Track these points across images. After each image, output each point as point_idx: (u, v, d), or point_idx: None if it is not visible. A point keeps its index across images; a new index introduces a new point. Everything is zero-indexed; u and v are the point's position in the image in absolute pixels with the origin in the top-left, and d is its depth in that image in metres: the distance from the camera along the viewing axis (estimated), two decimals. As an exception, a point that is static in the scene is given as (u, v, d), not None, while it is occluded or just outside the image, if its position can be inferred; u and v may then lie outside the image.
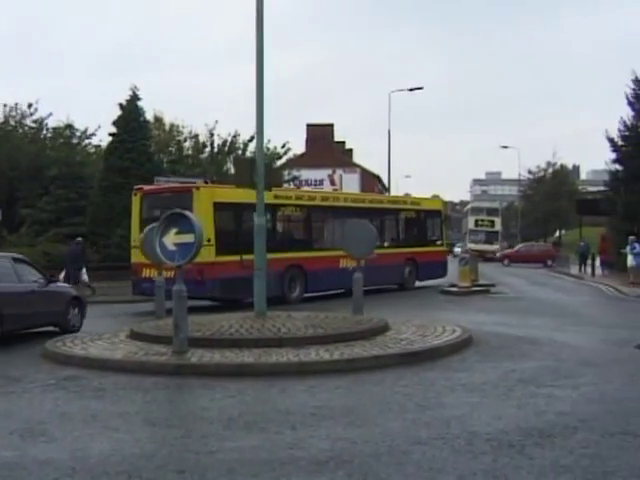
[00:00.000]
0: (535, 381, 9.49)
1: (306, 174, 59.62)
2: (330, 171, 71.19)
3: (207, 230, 18.87)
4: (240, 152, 42.65)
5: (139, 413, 8.10)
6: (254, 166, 14.31)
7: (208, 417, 7.80)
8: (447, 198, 50.52)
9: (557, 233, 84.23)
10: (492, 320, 17.28)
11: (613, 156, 42.09)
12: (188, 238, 11.27)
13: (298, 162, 49.69)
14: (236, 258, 21.19)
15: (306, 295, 23.96)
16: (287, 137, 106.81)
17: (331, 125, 73.75)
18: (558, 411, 7.85)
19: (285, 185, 44.02)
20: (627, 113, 41.03)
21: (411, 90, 49.05)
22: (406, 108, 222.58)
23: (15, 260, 15.45)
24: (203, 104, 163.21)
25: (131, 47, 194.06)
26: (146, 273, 21.21)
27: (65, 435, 7.13)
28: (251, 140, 40.87)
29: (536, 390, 8.94)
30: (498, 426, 7.19)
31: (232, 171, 40.56)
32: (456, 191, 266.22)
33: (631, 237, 32.00)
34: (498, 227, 70.08)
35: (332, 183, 71.18)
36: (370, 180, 73.69)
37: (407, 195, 37.50)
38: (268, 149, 41.35)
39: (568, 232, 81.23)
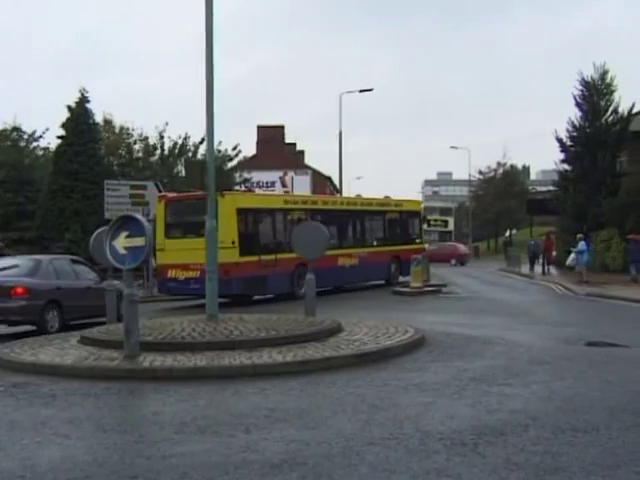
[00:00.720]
0: (487, 380, 9.58)
1: (257, 176, 59.48)
2: (281, 173, 71.19)
3: (231, 233, 22.75)
4: (191, 155, 42.39)
5: (90, 419, 8.00)
6: (205, 168, 14.24)
7: (160, 422, 7.74)
8: (398, 199, 50.60)
9: (508, 233, 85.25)
10: (444, 320, 17.41)
11: (562, 156, 42.77)
12: (139, 242, 11.15)
13: (249, 164, 49.58)
14: (255, 258, 23.85)
15: (256, 298, 24.77)
16: (239, 139, 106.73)
17: (282, 127, 73.78)
18: (510, 409, 7.93)
19: (236, 188, 43.88)
20: (575, 114, 41.74)
21: (362, 91, 49.27)
22: (358, 110, 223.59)
23: (73, 261, 19.01)
24: (154, 106, 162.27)
25: (81, 48, 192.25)
26: (171, 274, 23.81)
27: (14, 443, 7.02)
28: (202, 142, 40.57)
29: (488, 389, 9.02)
30: (451, 425, 7.25)
31: (183, 174, 40.45)
32: (407, 192, 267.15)
33: (579, 235, 32.55)
34: (451, 227, 71.32)
35: (283, 185, 71.17)
36: (321, 182, 73.87)
37: (359, 196, 37.71)
38: (219, 151, 41.10)
39: (519, 231, 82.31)
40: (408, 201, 36.29)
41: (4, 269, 17.16)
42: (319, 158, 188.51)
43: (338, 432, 7.07)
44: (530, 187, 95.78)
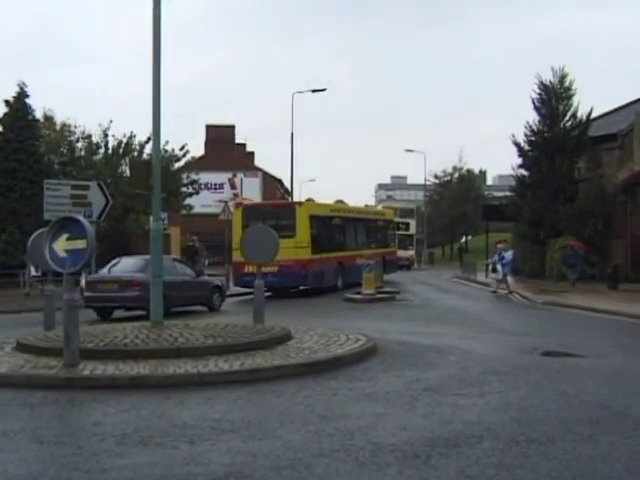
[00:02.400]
0: (440, 390, 9.63)
1: (205, 177, 59.28)
2: (230, 174, 71.11)
3: (306, 235, 30.06)
4: (136, 154, 42.06)
5: (25, 430, 7.88)
6: (150, 169, 14.14)
7: (100, 433, 7.64)
8: (351, 203, 50.57)
9: (463, 239, 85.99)
10: (397, 328, 17.46)
11: (519, 161, 43.15)
12: (80, 244, 11.00)
13: (197, 165, 49.30)
14: (319, 256, 30.36)
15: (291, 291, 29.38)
16: (188, 139, 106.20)
17: (232, 126, 73.64)
18: (464, 420, 7.99)
19: (183, 189, 43.64)
20: (533, 118, 42.16)
21: (314, 91, 49.37)
22: (314, 110, 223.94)
23: (174, 260, 25.08)
24: (98, 104, 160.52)
25: (23, 42, 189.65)
26: (248, 269, 27.26)
27: (-56, 456, 6.89)
28: (148, 142, 40.35)
29: (441, 399, 9.08)
30: (403, 437, 7.28)
31: (128, 174, 40.09)
32: (360, 195, 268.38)
33: (500, 245, 32.92)
34: (413, 230, 66.93)
35: (232, 187, 71.10)
36: (271, 184, 73.91)
37: (311, 199, 37.98)
38: (166, 151, 40.90)
39: (474, 238, 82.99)
40: (386, 210, 47.67)
41: (119, 267, 22.79)
42: (273, 160, 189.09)
43: (286, 443, 7.06)
44: (486, 192, 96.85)
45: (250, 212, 31.49)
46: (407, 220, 65.34)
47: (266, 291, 24.69)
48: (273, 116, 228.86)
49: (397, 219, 62.10)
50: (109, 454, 6.83)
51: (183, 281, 23.07)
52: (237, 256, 28.26)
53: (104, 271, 22.98)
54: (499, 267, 31.17)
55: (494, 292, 30.36)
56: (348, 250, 33.97)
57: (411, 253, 64.14)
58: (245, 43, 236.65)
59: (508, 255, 31.39)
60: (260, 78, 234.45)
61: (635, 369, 11.98)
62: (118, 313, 22.34)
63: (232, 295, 29.31)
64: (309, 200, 34.93)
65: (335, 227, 34.16)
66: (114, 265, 23.09)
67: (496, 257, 31.75)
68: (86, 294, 21.77)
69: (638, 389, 9.99)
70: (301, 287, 30.34)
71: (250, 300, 26.90)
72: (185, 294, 22.92)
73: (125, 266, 22.78)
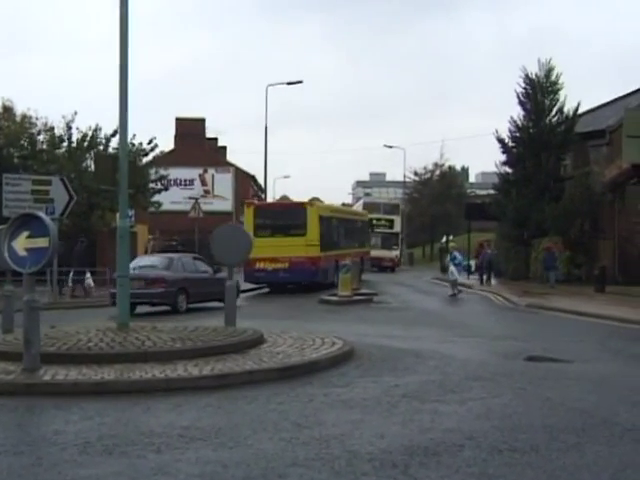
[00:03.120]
0: (420, 396, 9.65)
1: (175, 173, 59.19)
2: (201, 170, 70.93)
3: (316, 234, 33.48)
4: (101, 148, 41.78)
5: (-18, 438, 7.82)
6: (117, 163, 14.07)
7: (62, 442, 7.58)
8: (328, 201, 50.45)
9: (444, 239, 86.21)
10: (375, 331, 17.50)
11: (503, 158, 43.34)
12: (42, 243, 10.90)
13: (166, 160, 49.15)
14: (324, 254, 33.67)
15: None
16: (160, 134, 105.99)
17: (202, 120, 73.43)
18: (444, 428, 8.00)
19: (151, 185, 43.46)
20: (518, 113, 42.33)
21: (289, 84, 49.36)
22: (289, 106, 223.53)
23: (194, 258, 27.31)
24: (62, 95, 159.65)
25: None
26: (259, 265, 32.29)
27: None
28: (114, 135, 40.08)
29: (421, 406, 9.10)
30: (381, 445, 7.28)
31: (92, 168, 39.83)
32: (337, 193, 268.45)
33: (452, 244, 33.12)
34: (398, 228, 63.19)
35: (203, 183, 70.94)
36: (244, 180, 73.75)
37: (286, 197, 38.16)
38: (133, 145, 40.61)
39: (456, 238, 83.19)
40: (362, 212, 52.11)
41: (145, 266, 25.10)
42: (246, 156, 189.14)
43: (258, 452, 7.05)
44: (469, 190, 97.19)
45: (261, 211, 35.46)
46: (391, 217, 62.41)
47: (266, 286, 31.81)
48: (247, 111, 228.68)
49: (380, 216, 60.07)
50: (71, 464, 6.78)
51: (202, 278, 25.64)
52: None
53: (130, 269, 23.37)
54: (452, 268, 31.29)
55: (453, 295, 30.38)
56: (341, 249, 36.92)
57: (395, 253, 61.88)
58: (220, 36, 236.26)
59: (460, 256, 31.61)
60: (235, 72, 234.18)
61: (622, 375, 12.07)
62: (141, 309, 24.11)
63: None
64: (316, 200, 39.76)
65: (333, 227, 37.76)
66: (139, 264, 25.22)
67: (448, 258, 31.95)
68: (112, 291, 23.45)
69: (625, 396, 10.05)
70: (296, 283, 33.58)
71: (259, 295, 31.53)
72: (204, 290, 25.37)
73: (150, 264, 25.48)
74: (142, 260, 26.38)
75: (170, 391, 9.88)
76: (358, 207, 64.16)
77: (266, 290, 33.29)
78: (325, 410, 8.90)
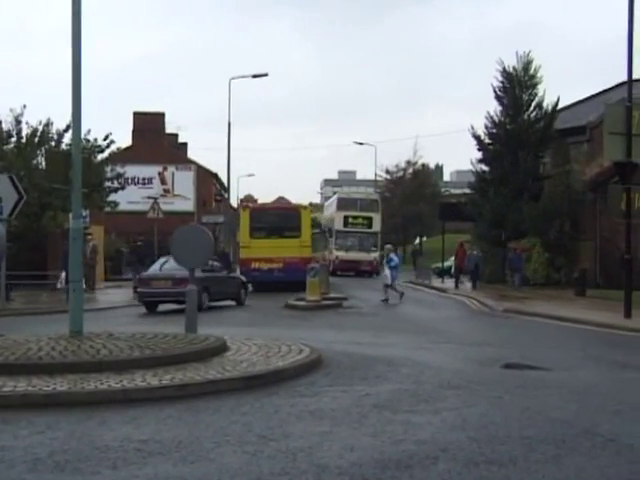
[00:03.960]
0: (392, 406, 9.66)
1: (133, 171, 58.86)
2: (160, 168, 70.57)
3: (309, 236, 38.28)
4: (53, 144, 41.50)
5: None
6: (70, 160, 13.97)
7: (9, 459, 7.50)
8: (294, 200, 50.20)
9: (417, 240, 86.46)
10: (344, 338, 17.51)
11: (479, 156, 43.54)
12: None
13: (123, 157, 48.88)
14: (312, 255, 38.12)
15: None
16: (117, 129, 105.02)
17: (162, 114, 73.05)
18: (417, 439, 8.01)
19: (107, 184, 43.25)
20: (495, 108, 42.52)
21: (255, 77, 49.37)
22: (255, 102, 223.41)
23: (212, 259, 28.15)
24: (11, 88, 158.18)
25: None
26: (255, 265, 35.88)
27: None
28: (67, 130, 39.83)
29: (393, 416, 9.10)
30: (350, 458, 7.27)
31: (44, 166, 39.53)
32: (305, 192, 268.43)
33: (387, 246, 33.16)
34: (377, 227, 57.81)
35: (163, 182, 70.61)
36: (207, 178, 73.57)
37: (250, 196, 38.37)
38: (87, 141, 40.38)
39: (430, 239, 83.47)
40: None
41: (168, 264, 26.68)
42: (210, 153, 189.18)
43: (221, 467, 7.02)
44: (443, 189, 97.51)
45: (257, 214, 39.47)
46: (369, 214, 57.45)
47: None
48: (210, 106, 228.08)
49: (356, 213, 56.87)
50: (20, 481, 6.71)
51: (220, 277, 28.66)
52: (243, 253, 37.96)
53: (154, 269, 27.91)
54: (387, 271, 31.07)
55: (385, 300, 30.34)
56: (317, 251, 42.23)
57: (375, 256, 56.23)
58: (184, 28, 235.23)
59: (396, 258, 31.53)
60: (198, 66, 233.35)
61: (604, 383, 12.16)
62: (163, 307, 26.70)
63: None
64: (249, 198, 42.92)
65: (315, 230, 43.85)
66: (164, 264, 27.67)
67: (384, 260, 31.87)
68: (140, 290, 27.21)
69: (607, 405, 10.12)
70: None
71: (253, 295, 32.88)
72: (222, 290, 28.23)
73: (175, 264, 25.28)
74: (166, 260, 27.88)
75: (127, 402, 9.81)
76: (332, 203, 62.68)
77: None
78: (292, 421, 8.89)
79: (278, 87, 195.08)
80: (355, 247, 55.74)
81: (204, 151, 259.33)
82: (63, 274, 31.30)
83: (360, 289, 39.09)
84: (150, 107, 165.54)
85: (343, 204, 58.16)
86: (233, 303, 29.08)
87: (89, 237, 35.34)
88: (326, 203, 72.08)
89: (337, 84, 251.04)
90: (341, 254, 54.53)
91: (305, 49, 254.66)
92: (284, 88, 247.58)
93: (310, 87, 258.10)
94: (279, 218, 38.88)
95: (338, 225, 56.66)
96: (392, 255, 31.62)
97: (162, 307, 26.91)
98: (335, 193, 71.18)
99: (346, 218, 56.54)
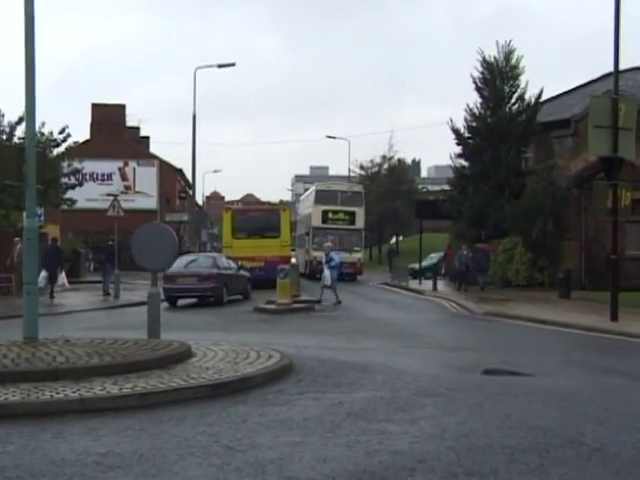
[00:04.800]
0: (366, 415, 9.67)
1: (91, 166, 58.53)
2: (121, 163, 70.40)
3: (288, 236, 44.04)
4: (5, 138, 41.21)
5: None
6: (23, 155, 13.87)
7: (-41, 472, 7.47)
8: (264, 198, 50.13)
9: (393, 239, 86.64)
10: (316, 343, 17.52)
11: (458, 150, 43.62)
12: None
13: (81, 151, 48.57)
14: (291, 253, 42.77)
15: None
16: (74, 122, 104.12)
17: (122, 106, 72.90)
18: (393, 450, 8.02)
19: (64, 180, 42.99)
20: (475, 100, 42.61)
21: (220, 66, 49.18)
22: (224, 93, 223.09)
23: (227, 257, 35.46)
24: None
25: None
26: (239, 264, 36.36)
27: None
28: (19, 122, 39.55)
29: (367, 426, 9.11)
30: (323, 470, 7.27)
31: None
32: (275, 188, 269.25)
33: (327, 244, 33.03)
34: (361, 223, 54.08)
35: (123, 178, 70.38)
36: (170, 174, 73.38)
37: (216, 193, 38.31)
38: (42, 134, 40.13)
39: (407, 238, 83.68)
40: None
41: (192, 262, 32.83)
42: (174, 147, 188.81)
43: (185, 481, 7.00)
44: (420, 186, 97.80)
45: (239, 215, 45.12)
46: (351, 208, 53.65)
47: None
48: (175, 98, 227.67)
49: (337, 207, 53.27)
50: (-30, 497, 6.67)
51: (234, 274, 33.59)
52: (226, 252, 40.16)
53: (179, 267, 30.26)
54: (326, 272, 30.86)
55: (318, 302, 30.21)
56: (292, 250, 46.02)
57: (358, 257, 53.22)
58: (148, 16, 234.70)
59: (337, 257, 31.31)
60: (164, 57, 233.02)
61: (589, 389, 12.23)
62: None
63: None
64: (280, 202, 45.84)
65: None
66: (187, 263, 32.34)
67: (324, 259, 31.59)
68: (165, 286, 29.78)
69: (593, 412, 10.18)
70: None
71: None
72: (235, 286, 33.02)
73: (198, 263, 32.83)
74: (189, 258, 34.03)
75: (85, 413, 9.76)
76: (309, 197, 59.42)
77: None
78: (261, 431, 8.88)
79: (248, 79, 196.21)
80: (335, 247, 48.70)
81: (168, 145, 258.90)
82: (43, 273, 32.57)
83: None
84: (110, 99, 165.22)
85: (322, 197, 54.43)
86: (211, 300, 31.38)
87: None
88: (302, 196, 69.80)
89: (310, 76, 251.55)
90: (319, 255, 47.75)
91: (276, 39, 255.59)
92: (254, 80, 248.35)
93: (282, 79, 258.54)
94: (260, 219, 44.17)
95: (316, 221, 53.24)
96: (333, 254, 31.17)
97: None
98: (307, 190, 70.42)
99: (325, 213, 53.31)
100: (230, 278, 32.43)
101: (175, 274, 30.34)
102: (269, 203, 69.51)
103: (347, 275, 48.13)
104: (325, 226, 52.61)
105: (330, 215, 53.05)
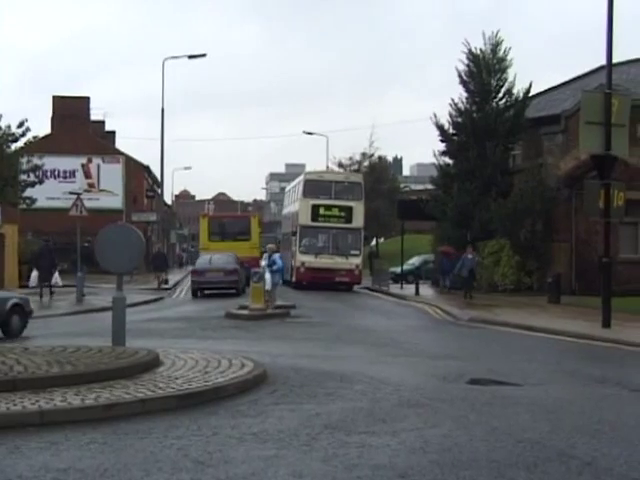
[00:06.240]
0: (345, 427, 9.67)
1: (53, 162, 58.27)
2: (84, 159, 70.00)
3: (257, 239, 50.11)
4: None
5: None
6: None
7: None
8: (237, 197, 50.26)
9: (374, 241, 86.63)
10: (292, 351, 17.51)
11: (443, 147, 43.64)
12: None
13: (42, 146, 48.37)
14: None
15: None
16: (34, 116, 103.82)
17: (86, 98, 72.50)
18: (373, 464, 8.02)
19: (22, 177, 42.79)
20: (460, 95, 42.62)
21: (191, 57, 49.25)
22: (196, 87, 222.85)
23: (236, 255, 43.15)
24: None
25: None
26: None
27: None
28: (-26, 117, 39.39)
29: (346, 438, 9.11)
30: (298, 485, 7.27)
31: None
32: (249, 187, 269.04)
33: (269, 246, 32.69)
34: (359, 221, 46.78)
35: (87, 175, 70.04)
36: (137, 172, 73.06)
37: (186, 192, 38.14)
38: (0, 128, 40.00)
39: (388, 240, 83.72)
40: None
41: (215, 259, 40.99)
42: (142, 143, 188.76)
43: (152, 497, 6.98)
44: (402, 185, 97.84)
45: (214, 221, 53.14)
46: (348, 203, 46.53)
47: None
48: (144, 91, 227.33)
49: (329, 202, 46.04)
50: None
51: (239, 269, 40.39)
52: (203, 254, 45.94)
53: (204, 262, 41.32)
54: (267, 276, 29.19)
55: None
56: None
57: (356, 262, 45.94)
58: (114, 6, 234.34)
59: (279, 261, 30.61)
60: (130, 48, 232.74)
61: (580, 400, 12.28)
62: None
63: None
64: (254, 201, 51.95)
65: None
66: (210, 259, 41.22)
67: (265, 262, 30.14)
68: (193, 279, 41.39)
69: (583, 424, 10.22)
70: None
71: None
72: (244, 280, 38.24)
73: (220, 260, 40.84)
74: (213, 256, 41.87)
75: (45, 426, 9.70)
76: (296, 188, 51.10)
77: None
78: (233, 445, 8.86)
79: (220, 72, 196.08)
80: (328, 249, 45.84)
81: (135, 141, 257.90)
82: (34, 273, 35.82)
83: (308, 296, 38.88)
84: (79, 91, 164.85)
85: (312, 188, 46.69)
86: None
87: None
88: (288, 187, 61.79)
89: (285, 69, 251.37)
90: (308, 259, 45.10)
91: (255, 30, 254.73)
92: (227, 74, 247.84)
93: (256, 72, 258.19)
94: (232, 224, 52.61)
95: (304, 218, 45.94)
96: (275, 257, 30.51)
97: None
98: (282, 189, 70.61)
99: (316, 208, 45.80)
100: (243, 273, 38.79)
101: (204, 269, 40.28)
102: (241, 203, 77.53)
103: (342, 285, 44.75)
104: (315, 224, 45.76)
105: (322, 211, 45.81)
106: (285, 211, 56.96)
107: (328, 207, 45.75)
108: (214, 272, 39.79)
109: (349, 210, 45.86)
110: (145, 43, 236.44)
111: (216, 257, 41.52)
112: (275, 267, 29.54)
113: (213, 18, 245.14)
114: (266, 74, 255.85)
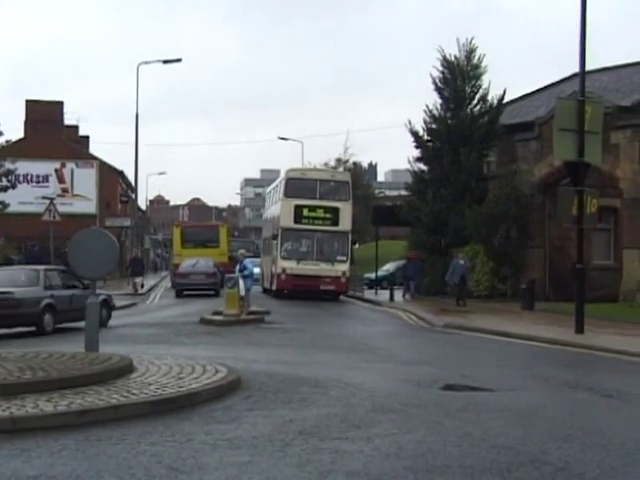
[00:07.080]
0: (319, 433, 9.66)
1: (25, 167, 58.11)
2: (58, 164, 69.69)
3: (226, 246, 56.27)
4: None
5: None
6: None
7: None
8: (212, 202, 50.50)
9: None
10: (266, 357, 17.48)
11: (417, 153, 43.72)
12: None
13: (14, 151, 48.26)
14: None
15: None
16: (6, 120, 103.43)
17: (60, 103, 72.19)
18: (347, 470, 8.01)
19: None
20: (435, 101, 42.73)
21: (166, 62, 49.14)
22: (170, 95, 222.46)
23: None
24: None
25: None
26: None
27: None
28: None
29: (320, 444, 9.10)
30: (272, 492, 7.26)
31: None
32: (223, 192, 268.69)
33: (241, 251, 32.46)
34: (347, 224, 42.69)
35: (60, 180, 69.73)
36: (111, 177, 72.89)
37: (160, 197, 37.95)
38: (-29, 133, 39.86)
39: (362, 246, 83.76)
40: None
41: (197, 263, 45.00)
42: (116, 147, 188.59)
43: (125, 504, 6.95)
44: (377, 191, 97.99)
45: (187, 230, 58.37)
46: (334, 204, 42.56)
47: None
48: (118, 96, 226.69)
49: (314, 202, 42.27)
50: None
51: (220, 273, 42.07)
52: (176, 260, 51.33)
53: (188, 267, 45.16)
54: (240, 282, 28.63)
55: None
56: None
57: (343, 269, 41.99)
58: (89, 11, 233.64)
59: (250, 265, 30.30)
60: (105, 52, 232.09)
61: (553, 406, 12.33)
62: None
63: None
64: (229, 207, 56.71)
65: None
66: (193, 264, 45.10)
67: (237, 267, 30.21)
68: (178, 281, 45.56)
69: (557, 430, 10.25)
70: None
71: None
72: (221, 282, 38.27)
73: (201, 264, 45.17)
74: (195, 261, 45.61)
75: (16, 433, 9.62)
76: (277, 188, 46.92)
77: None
78: (206, 451, 8.83)
79: (197, 78, 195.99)
80: (312, 255, 42.20)
81: (109, 146, 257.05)
82: None
83: (283, 302, 38.80)
84: (55, 96, 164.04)
85: (294, 187, 42.88)
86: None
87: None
88: (268, 188, 57.57)
89: (261, 75, 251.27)
90: (290, 265, 41.53)
91: (229, 38, 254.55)
92: (204, 79, 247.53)
93: (233, 78, 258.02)
94: (203, 233, 57.74)
95: (286, 220, 42.21)
96: (246, 262, 30.18)
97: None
98: (257, 195, 71.38)
99: (299, 209, 41.97)
100: (221, 276, 38.67)
101: (187, 272, 44.70)
102: (216, 208, 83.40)
103: (328, 293, 41.34)
104: (298, 227, 42.03)
105: (305, 212, 41.99)
106: (266, 214, 54.17)
107: (312, 208, 42.07)
108: (196, 275, 44.48)
109: (335, 211, 42.09)
110: (122, 49, 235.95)
111: (199, 262, 45.55)
112: (246, 272, 29.34)
113: (191, 25, 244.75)
114: (242, 80, 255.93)
